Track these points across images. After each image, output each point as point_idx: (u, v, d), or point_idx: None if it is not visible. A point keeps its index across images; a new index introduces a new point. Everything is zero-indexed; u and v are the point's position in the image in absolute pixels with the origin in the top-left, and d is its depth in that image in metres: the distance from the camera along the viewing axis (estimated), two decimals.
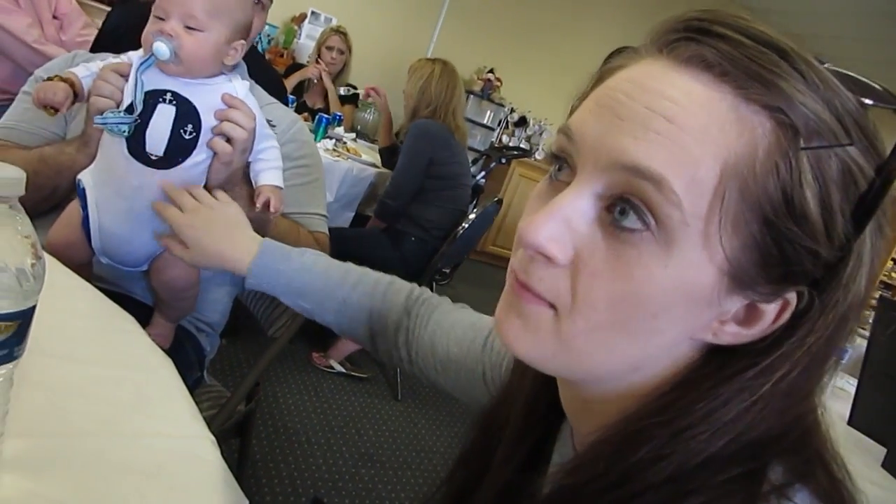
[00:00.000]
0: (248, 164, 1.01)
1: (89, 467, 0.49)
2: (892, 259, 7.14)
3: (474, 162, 4.39)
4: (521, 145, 5.02)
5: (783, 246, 0.36)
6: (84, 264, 1.02)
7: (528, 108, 5.10)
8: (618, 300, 0.38)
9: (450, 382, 0.78)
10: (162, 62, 0.89)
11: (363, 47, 3.94)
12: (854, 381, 1.46)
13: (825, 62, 0.38)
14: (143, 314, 1.08)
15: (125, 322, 0.75)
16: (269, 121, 1.04)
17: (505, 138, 5.08)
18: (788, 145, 0.35)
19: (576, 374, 0.44)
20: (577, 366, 0.42)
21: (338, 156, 2.62)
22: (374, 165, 2.71)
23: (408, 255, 2.43)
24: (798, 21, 5.16)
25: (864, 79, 0.39)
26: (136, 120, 0.90)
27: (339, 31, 3.39)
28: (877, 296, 2.25)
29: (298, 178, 1.18)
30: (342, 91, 3.44)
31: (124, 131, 0.89)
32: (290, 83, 3.31)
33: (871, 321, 1.40)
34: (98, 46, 1.83)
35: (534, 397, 0.56)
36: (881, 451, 1.26)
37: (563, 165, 0.42)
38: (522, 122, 5.06)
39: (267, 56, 3.79)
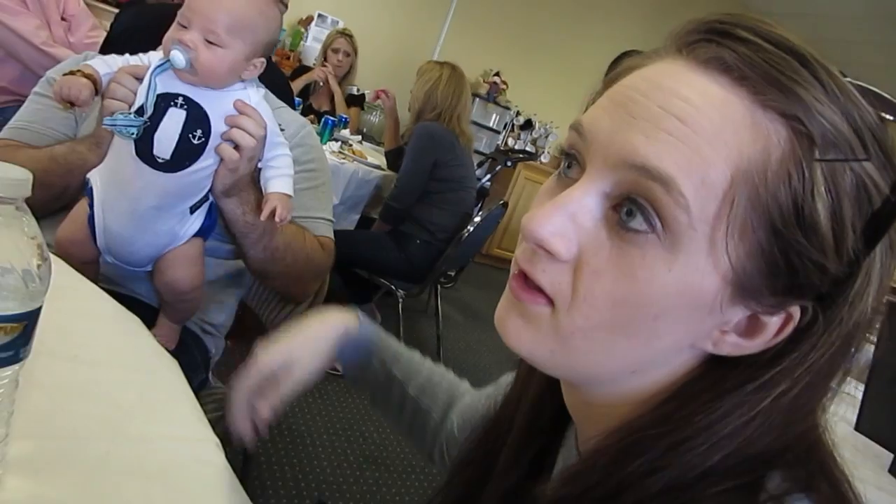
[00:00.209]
0: (257, 170, 1.01)
1: (94, 470, 0.49)
2: None
3: (480, 165, 4.39)
4: (527, 148, 5.02)
5: (790, 257, 0.35)
6: (90, 263, 1.03)
7: (534, 111, 5.09)
8: (619, 300, 0.37)
9: None
10: (177, 69, 0.90)
11: (370, 49, 3.94)
12: (861, 386, 1.45)
13: (846, 76, 0.37)
14: (148, 316, 1.08)
15: (131, 323, 0.75)
16: (278, 123, 1.04)
17: (511, 141, 5.07)
18: (803, 155, 0.35)
19: (575, 373, 0.43)
20: (577, 365, 0.41)
21: (343, 158, 2.62)
22: (379, 168, 2.71)
23: (413, 258, 2.43)
24: (807, 23, 5.15)
25: (884, 94, 0.38)
26: (146, 123, 0.90)
27: (345, 34, 3.40)
28: (886, 300, 2.23)
29: (306, 183, 1.18)
30: (355, 91, 3.43)
31: (133, 133, 0.89)
32: (297, 86, 3.32)
33: (878, 326, 1.39)
34: (107, 48, 1.84)
35: (539, 402, 0.56)
36: (888, 457, 1.26)
37: (572, 162, 0.42)
38: (528, 125, 5.06)
39: (273, 58, 3.79)
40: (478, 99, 4.73)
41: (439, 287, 2.80)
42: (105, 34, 2.02)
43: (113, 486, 0.48)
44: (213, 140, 0.94)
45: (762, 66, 0.36)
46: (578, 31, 5.12)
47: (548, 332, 0.40)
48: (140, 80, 0.93)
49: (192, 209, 1.00)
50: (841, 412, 0.42)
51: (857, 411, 1.36)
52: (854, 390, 1.68)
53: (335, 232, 1.31)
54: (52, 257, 0.80)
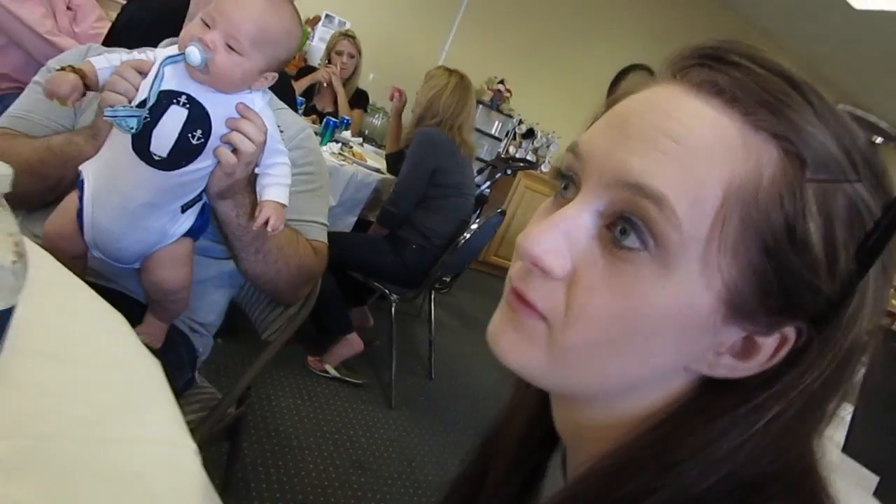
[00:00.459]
0: (254, 175, 1.00)
1: (65, 472, 0.48)
2: (894, 287, 7.12)
3: (480, 172, 4.39)
4: (528, 157, 5.02)
5: (783, 277, 0.35)
6: (78, 257, 1.02)
7: (537, 121, 5.10)
8: (613, 317, 0.37)
9: None
10: (190, 65, 0.89)
11: (376, 51, 3.95)
12: (850, 408, 1.45)
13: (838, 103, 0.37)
14: (137, 312, 1.08)
15: (115, 322, 0.74)
16: (277, 125, 1.03)
17: (512, 149, 5.08)
18: (794, 175, 0.35)
19: (568, 389, 0.43)
20: (569, 381, 0.41)
21: (343, 160, 2.62)
22: (378, 171, 2.71)
23: (409, 263, 2.42)
24: (814, 47, 5.16)
25: (872, 118, 0.39)
26: (146, 116, 0.89)
27: (349, 35, 3.40)
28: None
29: (302, 185, 1.17)
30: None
31: (132, 127, 0.88)
32: (301, 85, 3.32)
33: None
34: (110, 40, 1.84)
35: (530, 424, 0.55)
36: (873, 479, 1.25)
37: (569, 184, 0.42)
38: (530, 134, 5.06)
39: None
40: (481, 106, 4.73)
41: (434, 293, 2.79)
42: (110, 25, 2.01)
43: (84, 488, 0.47)
44: (213, 141, 0.93)
45: (753, 88, 0.36)
46: (584, 46, 5.15)
47: (542, 347, 0.40)
48: (143, 75, 0.92)
49: (184, 208, 0.99)
50: (829, 433, 0.41)
51: (845, 433, 1.36)
52: (843, 412, 1.69)
53: (331, 233, 1.30)
54: (41, 252, 0.80)
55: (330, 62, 3.40)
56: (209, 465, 0.57)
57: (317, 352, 2.41)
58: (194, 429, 0.61)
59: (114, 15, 1.94)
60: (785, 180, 0.35)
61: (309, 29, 4.12)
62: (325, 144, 2.73)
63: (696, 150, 0.36)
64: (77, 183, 0.98)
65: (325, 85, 3.39)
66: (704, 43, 0.40)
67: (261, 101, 0.97)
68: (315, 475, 1.83)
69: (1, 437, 0.46)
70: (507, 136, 5.09)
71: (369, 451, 2.06)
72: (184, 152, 0.93)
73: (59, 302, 0.71)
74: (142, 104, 0.89)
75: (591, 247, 0.38)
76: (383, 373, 2.54)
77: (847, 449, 1.34)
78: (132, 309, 1.05)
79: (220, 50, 0.89)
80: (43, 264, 0.77)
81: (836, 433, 1.42)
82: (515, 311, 0.41)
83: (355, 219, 2.66)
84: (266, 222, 0.95)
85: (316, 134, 2.50)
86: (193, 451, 0.56)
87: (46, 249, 0.83)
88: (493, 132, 5.06)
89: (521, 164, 4.68)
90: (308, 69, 3.53)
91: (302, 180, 1.18)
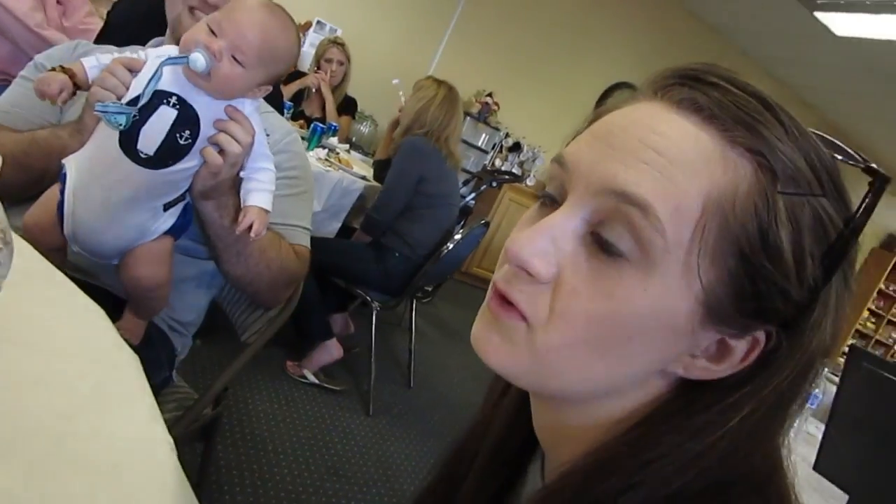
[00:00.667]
0: (239, 178, 1.01)
1: (41, 462, 0.48)
2: (868, 309, 7.25)
3: (465, 183, 4.41)
4: (514, 170, 5.05)
5: (757, 282, 0.38)
6: (56, 250, 1.01)
7: (523, 135, 5.14)
8: (595, 318, 0.39)
9: None
10: (189, 69, 0.90)
11: (366, 59, 3.96)
12: (822, 427, 1.47)
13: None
14: (117, 308, 1.07)
15: (95, 315, 0.74)
16: (264, 129, 1.04)
17: (498, 162, 5.11)
18: (767, 187, 0.37)
19: (548, 390, 0.44)
20: (550, 382, 0.42)
21: (329, 166, 2.62)
22: (364, 178, 2.71)
23: (391, 271, 2.42)
24: (796, 72, 5.28)
25: (834, 139, 0.42)
26: (135, 115, 0.90)
27: (338, 43, 3.42)
28: (849, 343, 2.28)
29: (286, 189, 1.18)
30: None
31: (121, 124, 0.88)
32: (290, 90, 3.32)
33: (842, 367, 1.42)
34: (103, 37, 1.83)
35: (507, 430, 0.56)
36: (843, 497, 1.27)
37: (554, 192, 0.44)
38: (517, 147, 5.10)
39: None
40: (468, 117, 4.76)
41: (415, 302, 2.79)
42: (101, 21, 2.00)
43: (59, 480, 0.47)
44: (200, 143, 0.94)
45: (730, 107, 0.39)
46: (573, 63, 5.21)
47: (524, 348, 0.41)
48: (134, 73, 0.93)
49: (167, 207, 0.99)
50: (802, 451, 0.43)
51: (816, 451, 1.38)
52: (815, 430, 1.71)
53: (315, 238, 1.30)
54: (23, 243, 0.79)
55: (319, 68, 3.41)
56: (183, 465, 0.57)
57: (296, 356, 2.40)
58: (170, 427, 0.60)
59: (103, 11, 1.94)
60: (759, 191, 0.37)
61: (300, 34, 4.13)
62: (312, 150, 2.73)
63: (678, 162, 0.38)
64: (59, 176, 0.97)
65: (313, 91, 3.40)
66: (684, 65, 0.43)
67: (250, 105, 0.98)
68: (290, 480, 1.81)
69: None
70: (493, 148, 5.12)
71: (346, 457, 2.05)
72: (171, 151, 0.93)
73: (40, 293, 0.71)
74: (133, 101, 0.90)
75: (577, 252, 0.40)
76: (362, 380, 2.53)
77: (818, 467, 1.36)
78: (111, 305, 1.04)
79: (226, 60, 0.90)
80: (25, 255, 0.77)
81: (807, 451, 1.44)
82: (498, 314, 0.42)
83: (339, 225, 2.66)
84: (249, 227, 0.96)
85: (303, 139, 2.51)
86: (169, 445, 0.57)
87: (26, 241, 0.83)
88: (479, 144, 5.09)
89: (507, 177, 4.71)
90: (297, 74, 3.54)
91: (286, 184, 1.18)
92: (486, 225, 2.62)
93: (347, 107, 3.59)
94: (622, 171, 0.39)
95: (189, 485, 0.55)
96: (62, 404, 0.55)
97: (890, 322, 7.45)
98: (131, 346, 0.71)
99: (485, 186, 4.26)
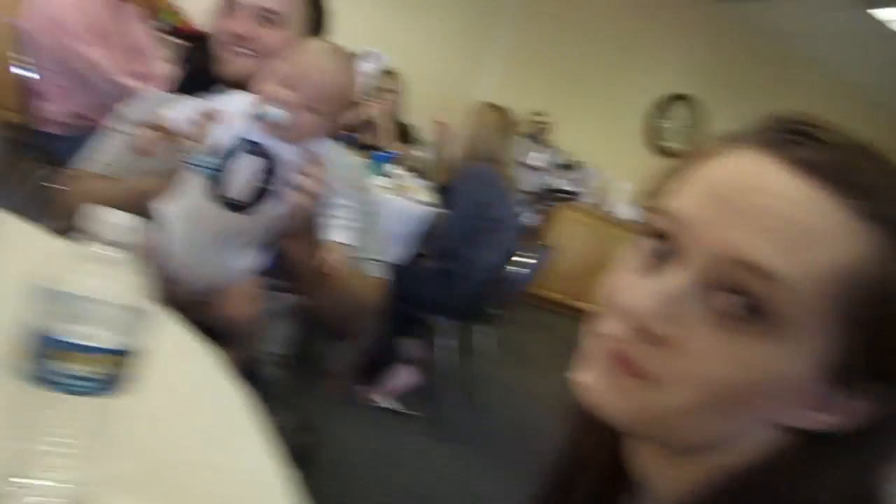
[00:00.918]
0: (319, 216, 1.05)
1: (176, 495, 0.50)
2: None
3: (522, 203, 4.40)
4: (569, 188, 5.02)
5: (882, 347, 0.38)
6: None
7: (577, 152, 5.11)
8: (717, 385, 0.39)
9: None
10: (268, 120, 0.96)
11: (415, 85, 4.02)
12: None
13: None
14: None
15: (205, 353, 0.78)
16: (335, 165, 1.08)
17: (553, 181, 5.08)
18: (893, 256, 0.37)
19: (660, 439, 0.45)
20: (663, 433, 0.43)
21: (392, 193, 2.67)
22: (427, 204, 2.75)
23: (455, 294, 2.44)
24: (858, 72, 5.07)
25: None
26: (222, 165, 0.95)
27: (391, 73, 3.52)
28: None
29: (359, 223, 1.21)
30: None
31: (207, 173, 0.95)
32: (347, 121, 3.41)
33: None
34: (182, 84, 1.92)
35: (609, 467, 0.55)
36: None
37: (664, 247, 0.43)
38: (571, 165, 5.07)
39: None
40: (522, 138, 4.77)
41: (482, 324, 2.79)
42: (171, 66, 2.09)
43: None
44: (282, 185, 0.99)
45: (852, 173, 0.38)
46: (622, 79, 5.20)
47: (641, 404, 0.42)
48: (215, 123, 0.98)
49: (252, 247, 1.04)
50: None
51: None
52: None
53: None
54: None
55: (374, 98, 3.49)
56: None
57: (368, 382, 2.44)
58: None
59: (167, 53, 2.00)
60: (885, 260, 0.37)
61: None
62: (374, 178, 2.78)
63: (802, 230, 0.37)
64: (152, 219, 1.04)
65: (370, 121, 3.48)
66: (794, 116, 0.42)
67: (325, 147, 1.03)
68: None
69: (126, 457, 0.49)
70: (547, 167, 5.11)
71: (425, 481, 2.04)
72: (254, 196, 0.99)
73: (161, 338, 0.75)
74: (217, 151, 0.95)
75: (698, 316, 0.40)
76: (433, 404, 2.54)
77: None
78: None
79: (304, 114, 0.97)
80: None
81: None
82: (615, 370, 0.42)
83: (404, 251, 2.69)
84: (328, 261, 1.00)
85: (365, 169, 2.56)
86: (286, 479, 0.59)
87: None
88: (533, 164, 5.08)
89: (563, 196, 4.68)
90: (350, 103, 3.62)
91: (357, 218, 1.22)
92: (550, 247, 2.61)
93: (403, 134, 3.66)
94: (748, 240, 0.38)
95: None
96: (183, 442, 0.58)
97: None
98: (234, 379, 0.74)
99: (542, 206, 4.24)
